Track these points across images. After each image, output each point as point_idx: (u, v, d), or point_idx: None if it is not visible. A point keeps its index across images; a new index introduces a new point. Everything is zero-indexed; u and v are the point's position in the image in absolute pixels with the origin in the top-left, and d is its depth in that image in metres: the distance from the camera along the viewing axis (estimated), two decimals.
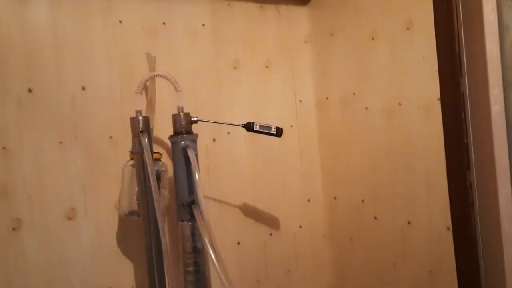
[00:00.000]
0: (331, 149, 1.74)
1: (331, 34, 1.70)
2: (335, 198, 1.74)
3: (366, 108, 1.59)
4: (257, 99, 1.65)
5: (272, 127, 1.30)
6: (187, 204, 1.18)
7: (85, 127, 1.33)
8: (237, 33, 1.62)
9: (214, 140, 1.55)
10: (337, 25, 1.68)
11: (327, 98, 1.74)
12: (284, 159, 1.69)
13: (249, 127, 1.30)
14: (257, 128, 1.28)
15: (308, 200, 1.75)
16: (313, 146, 1.77)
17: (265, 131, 1.29)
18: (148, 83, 1.33)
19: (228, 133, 1.58)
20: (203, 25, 1.55)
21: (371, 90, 1.57)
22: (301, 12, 1.77)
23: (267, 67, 1.68)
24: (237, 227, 1.57)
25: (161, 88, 1.39)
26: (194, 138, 1.23)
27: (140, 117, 1.18)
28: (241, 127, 1.31)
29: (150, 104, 1.31)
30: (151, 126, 1.32)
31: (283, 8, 1.73)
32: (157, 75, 1.21)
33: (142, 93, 1.19)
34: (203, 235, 1.06)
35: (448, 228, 1.36)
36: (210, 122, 1.33)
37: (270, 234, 1.64)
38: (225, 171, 1.57)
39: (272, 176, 1.66)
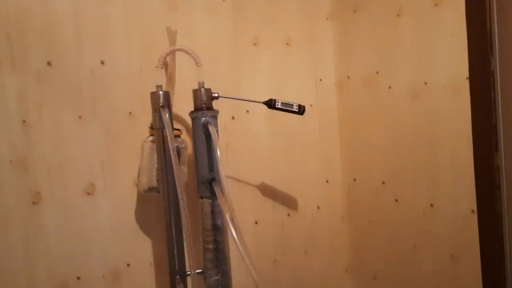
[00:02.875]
0: (351, 129, 1.70)
1: (354, 11, 1.65)
2: (354, 179, 1.71)
3: (389, 87, 1.55)
4: (276, 77, 1.61)
5: (294, 104, 1.27)
6: (207, 181, 1.16)
7: (104, 102, 1.31)
8: (257, 9, 1.57)
9: (233, 118, 1.52)
10: (361, 1, 1.62)
11: (348, 77, 1.69)
12: (303, 139, 1.66)
13: (270, 104, 1.26)
14: (279, 105, 1.25)
15: (327, 181, 1.72)
16: (333, 127, 1.73)
17: (287, 108, 1.26)
18: (168, 58, 1.30)
19: (247, 111, 1.55)
20: (223, 0, 1.51)
21: (396, 69, 1.52)
22: None
23: (287, 44, 1.63)
24: (255, 207, 1.55)
25: (181, 63, 1.36)
26: (215, 114, 1.20)
27: (161, 92, 1.16)
28: (262, 104, 1.28)
29: (170, 79, 1.29)
30: (171, 102, 1.30)
31: None
32: (179, 49, 1.18)
33: (162, 68, 1.17)
34: (224, 212, 1.05)
35: (472, 211, 1.32)
36: (231, 98, 1.30)
37: (288, 215, 1.62)
38: (244, 149, 1.54)
39: (291, 156, 1.64)
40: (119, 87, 1.33)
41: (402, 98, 1.50)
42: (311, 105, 1.69)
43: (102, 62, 1.31)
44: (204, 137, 1.17)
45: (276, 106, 1.25)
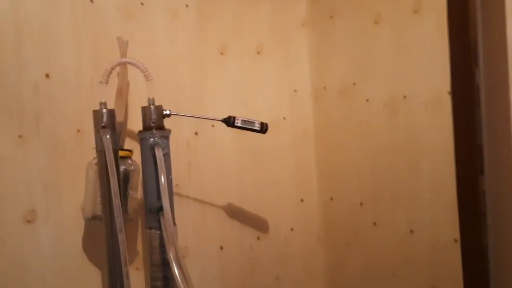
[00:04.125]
0: (328, 144, 1.58)
1: (331, 17, 1.53)
2: (331, 198, 1.59)
3: (367, 100, 1.43)
4: (246, 89, 1.49)
5: (256, 122, 1.15)
6: (155, 210, 1.04)
7: (49, 119, 1.18)
8: (224, 15, 1.45)
9: (196, 133, 1.40)
10: (338, 7, 1.50)
11: (324, 87, 1.57)
12: (275, 155, 1.54)
13: (229, 122, 1.14)
14: (238, 123, 1.13)
15: (302, 200, 1.60)
16: (308, 141, 1.61)
17: (247, 126, 1.14)
18: (119, 71, 1.18)
19: (213, 126, 1.42)
20: (187, 5, 1.38)
21: (373, 80, 1.40)
22: None
23: (258, 53, 1.51)
24: (220, 230, 1.43)
25: (139, 75, 1.24)
26: (165, 134, 1.08)
27: (104, 110, 1.03)
28: (220, 121, 1.15)
29: (120, 94, 1.16)
30: (121, 120, 1.17)
31: None
32: (124, 62, 1.06)
33: (107, 83, 1.04)
34: (168, 249, 0.92)
35: (455, 240, 1.20)
36: (184, 116, 1.18)
37: (258, 238, 1.50)
38: (209, 168, 1.42)
39: (262, 173, 1.51)
40: (66, 102, 1.20)
41: (380, 112, 1.38)
42: (284, 118, 1.57)
43: (47, 75, 1.18)
44: (152, 160, 1.04)
45: (236, 124, 1.13)
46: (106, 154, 0.98)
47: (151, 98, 1.08)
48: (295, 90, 1.59)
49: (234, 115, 1.16)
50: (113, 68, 1.04)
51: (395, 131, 1.35)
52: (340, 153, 1.53)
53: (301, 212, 1.58)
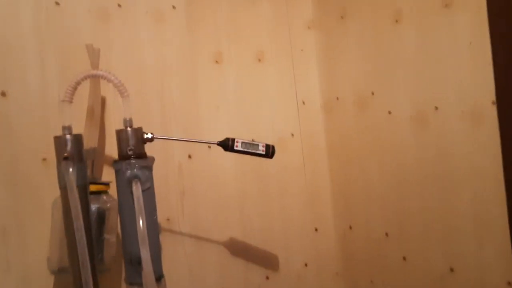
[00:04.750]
0: (343, 164, 1.36)
1: (342, 17, 1.32)
2: (350, 227, 1.37)
3: (389, 112, 1.21)
4: (246, 102, 1.28)
5: (260, 144, 0.93)
6: (136, 261, 0.82)
7: (6, 146, 0.97)
8: (219, 16, 1.25)
9: (189, 156, 1.18)
10: (350, 5, 1.29)
11: (337, 98, 1.36)
12: (283, 178, 1.32)
13: (227, 145, 0.92)
14: (238, 146, 0.91)
15: (316, 230, 1.38)
16: (321, 161, 1.39)
17: (249, 150, 0.92)
18: (90, 85, 0.97)
19: (209, 146, 1.21)
20: (174, 7, 1.18)
21: (396, 89, 1.18)
22: None
23: (259, 60, 1.30)
24: (221, 271, 1.20)
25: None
26: (147, 164, 0.86)
27: (68, 136, 0.82)
28: (216, 145, 0.94)
29: (92, 114, 0.95)
30: (94, 145, 0.96)
31: None
32: (92, 75, 0.84)
33: (71, 101, 0.83)
34: None
35: (509, 283, 0.97)
36: (171, 139, 0.96)
37: (267, 277, 1.27)
38: (205, 197, 1.20)
39: (268, 200, 1.29)
40: (28, 125, 0.99)
41: (405, 126, 1.17)
42: (293, 135, 1.36)
43: (3, 94, 0.97)
44: (130, 198, 0.82)
45: (235, 148, 0.91)
46: (69, 191, 0.76)
47: (127, 119, 0.86)
48: (303, 102, 1.38)
49: (233, 137, 0.95)
50: (78, 83, 0.83)
51: (425, 148, 1.13)
52: (359, 174, 1.31)
53: (315, 244, 1.36)
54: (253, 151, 0.92)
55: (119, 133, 0.86)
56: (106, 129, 1.04)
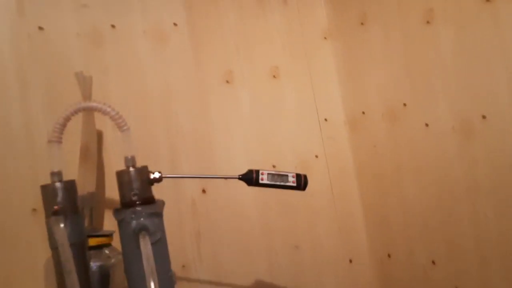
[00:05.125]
0: (376, 186, 1.20)
1: (362, 23, 1.18)
2: (388, 255, 1.20)
3: (426, 124, 1.06)
4: (263, 124, 1.14)
5: (290, 174, 0.78)
6: None
7: None
8: (227, 31, 1.12)
9: (203, 191, 1.04)
10: (371, 10, 1.16)
11: (363, 113, 1.21)
12: (310, 206, 1.17)
13: (250, 179, 0.78)
14: (264, 179, 0.77)
15: (350, 261, 1.22)
16: (350, 183, 1.24)
17: (278, 183, 0.77)
18: (83, 119, 0.84)
19: (225, 177, 1.06)
20: (175, 24, 1.05)
21: (433, 98, 1.04)
22: None
23: (274, 76, 1.17)
24: None
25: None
26: (156, 210, 0.72)
27: (58, 184, 0.67)
28: (238, 179, 0.79)
29: (87, 153, 0.81)
30: (91, 189, 0.82)
31: None
32: (82, 109, 0.70)
33: (60, 142, 0.69)
34: None
35: None
36: (184, 177, 0.82)
37: None
38: (224, 236, 1.05)
39: (296, 233, 1.14)
40: (12, 170, 0.86)
41: (447, 139, 1.02)
42: (317, 156, 1.21)
43: None
44: (138, 253, 0.67)
45: (261, 182, 0.76)
46: (61, 255, 0.61)
47: (129, 157, 0.72)
48: (326, 119, 1.23)
49: (255, 167, 0.80)
50: (67, 119, 0.69)
51: (472, 162, 0.97)
52: (395, 196, 1.16)
53: (351, 277, 1.20)
54: (282, 183, 0.77)
55: (120, 175, 0.72)
56: (106, 169, 0.90)
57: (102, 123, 0.89)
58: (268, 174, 0.76)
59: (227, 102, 1.09)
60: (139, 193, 0.71)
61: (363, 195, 1.24)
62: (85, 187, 0.80)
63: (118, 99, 0.94)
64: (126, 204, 0.71)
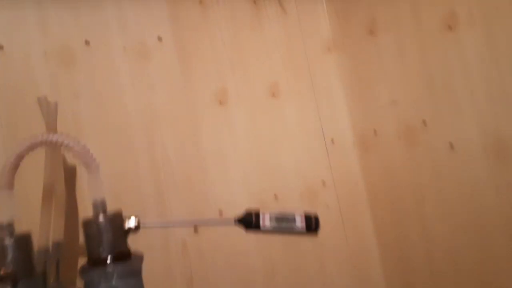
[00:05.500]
0: (393, 216, 1.06)
1: (371, 32, 1.06)
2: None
3: (451, 145, 0.92)
4: (263, 149, 1.00)
5: (297, 216, 0.64)
6: None
7: None
8: (219, 46, 0.99)
9: (195, 230, 0.89)
10: (380, 17, 1.03)
11: (375, 132, 1.08)
12: (319, 242, 1.02)
13: (249, 223, 0.63)
14: (265, 224, 0.62)
15: None
16: (362, 213, 1.10)
17: (283, 226, 0.63)
18: (46, 154, 0.70)
19: (220, 211, 0.92)
20: (159, 38, 0.92)
21: (458, 114, 0.90)
22: (317, 6, 1.13)
23: (273, 95, 1.03)
24: None
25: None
26: (131, 269, 0.57)
27: (8, 241, 0.53)
28: (235, 225, 0.65)
29: (50, 196, 0.67)
30: (56, 240, 0.67)
31: (290, 2, 1.10)
32: (38, 144, 0.56)
33: (11, 188, 0.55)
34: None
35: None
36: (166, 226, 0.68)
37: None
38: (221, 280, 0.90)
39: (303, 275, 0.99)
40: None
41: (478, 161, 0.88)
42: (324, 183, 1.07)
43: None
44: None
45: (262, 228, 0.62)
46: None
47: (98, 201, 0.58)
48: (333, 140, 1.09)
49: (256, 209, 0.65)
50: (19, 158, 0.55)
51: (510, 189, 0.83)
52: (415, 227, 1.02)
53: None
54: (288, 226, 0.62)
55: (86, 225, 0.58)
56: (81, 212, 0.76)
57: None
58: (270, 217, 0.62)
59: (221, 126, 0.95)
60: (110, 248, 0.56)
61: (377, 227, 1.10)
62: (49, 236, 0.66)
63: (92, 128, 0.81)
64: (94, 262, 0.56)
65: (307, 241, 0.99)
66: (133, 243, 0.73)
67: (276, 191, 0.98)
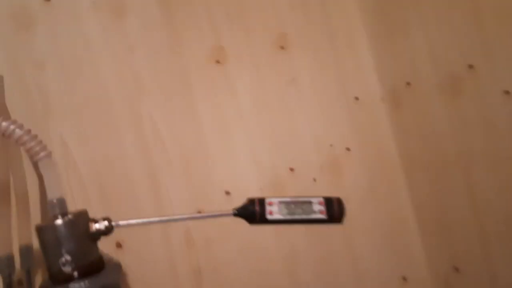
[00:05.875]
0: (433, 179, 0.90)
1: None
2: (456, 269, 0.91)
3: (506, 92, 0.74)
4: (271, 114, 0.84)
5: (314, 201, 0.49)
6: None
7: None
8: None
9: (200, 212, 0.76)
10: None
11: (408, 84, 0.90)
12: (345, 223, 0.87)
13: (252, 214, 0.49)
14: (273, 213, 0.48)
15: (404, 279, 0.93)
16: (395, 180, 0.94)
17: (296, 217, 0.48)
18: None
19: (228, 193, 0.78)
20: None
21: None
22: None
23: (282, 47, 0.86)
24: None
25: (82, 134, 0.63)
26: (106, 282, 0.44)
27: None
28: (233, 216, 0.50)
29: (8, 194, 0.54)
30: (25, 244, 0.55)
31: None
32: None
33: None
34: None
35: None
36: (147, 222, 0.54)
37: None
38: (234, 271, 0.78)
39: (329, 254, 0.85)
40: None
41: None
42: (348, 149, 0.91)
43: None
44: None
45: (270, 218, 0.48)
46: None
47: (54, 201, 0.44)
48: (357, 98, 0.92)
49: (260, 197, 0.50)
50: None
51: None
52: (460, 190, 0.86)
53: None
54: (304, 216, 0.48)
55: (40, 233, 0.44)
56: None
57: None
58: (280, 203, 0.47)
59: (221, 90, 0.79)
60: (74, 259, 0.43)
61: (414, 194, 0.94)
62: (12, 243, 0.53)
63: (63, 105, 0.67)
64: (54, 278, 0.44)
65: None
66: (123, 237, 0.61)
67: (291, 163, 0.83)
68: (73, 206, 0.61)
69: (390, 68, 0.93)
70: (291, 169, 0.83)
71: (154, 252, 0.73)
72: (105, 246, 0.66)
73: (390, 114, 0.95)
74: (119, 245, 0.68)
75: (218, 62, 0.80)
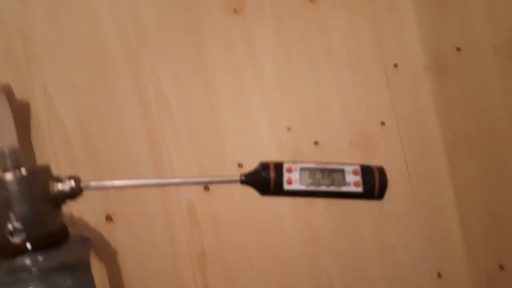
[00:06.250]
0: (481, 162, 0.77)
1: None
2: (500, 267, 0.79)
3: None
4: (296, 78, 0.72)
5: (347, 168, 0.37)
6: None
7: None
8: None
9: (206, 188, 0.66)
10: None
11: (457, 49, 0.77)
12: (375, 207, 0.76)
13: (265, 182, 0.37)
14: (293, 182, 0.36)
15: (439, 275, 0.81)
16: (436, 161, 0.81)
17: (323, 187, 0.37)
18: None
19: (240, 165, 0.68)
20: None
21: None
22: None
23: (311, 0, 0.74)
24: None
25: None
26: (69, 259, 0.34)
27: None
28: (240, 184, 0.39)
29: None
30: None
31: None
32: None
33: None
34: None
35: None
36: (146, 185, 0.43)
37: None
38: (244, 254, 0.67)
39: (356, 240, 0.74)
40: None
41: None
42: (383, 123, 0.78)
43: None
44: None
45: (287, 189, 0.36)
46: None
47: (5, 150, 0.34)
48: (395, 65, 0.79)
49: (277, 161, 0.39)
50: None
51: None
52: (509, 180, 0.73)
53: None
54: (331, 189, 0.36)
55: None
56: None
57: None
58: (302, 170, 0.36)
59: (237, 46, 0.68)
60: (27, 226, 0.33)
61: (457, 178, 0.81)
62: None
63: (50, 54, 0.57)
64: (1, 250, 0.34)
65: (360, 205, 0.73)
66: (115, 209, 0.52)
67: (316, 137, 0.72)
68: (56, 170, 0.51)
69: (436, 30, 0.79)
70: (315, 143, 0.72)
71: (151, 230, 0.63)
72: (92, 218, 0.56)
73: (434, 85, 0.81)
74: (109, 218, 0.59)
75: (235, 11, 0.68)
